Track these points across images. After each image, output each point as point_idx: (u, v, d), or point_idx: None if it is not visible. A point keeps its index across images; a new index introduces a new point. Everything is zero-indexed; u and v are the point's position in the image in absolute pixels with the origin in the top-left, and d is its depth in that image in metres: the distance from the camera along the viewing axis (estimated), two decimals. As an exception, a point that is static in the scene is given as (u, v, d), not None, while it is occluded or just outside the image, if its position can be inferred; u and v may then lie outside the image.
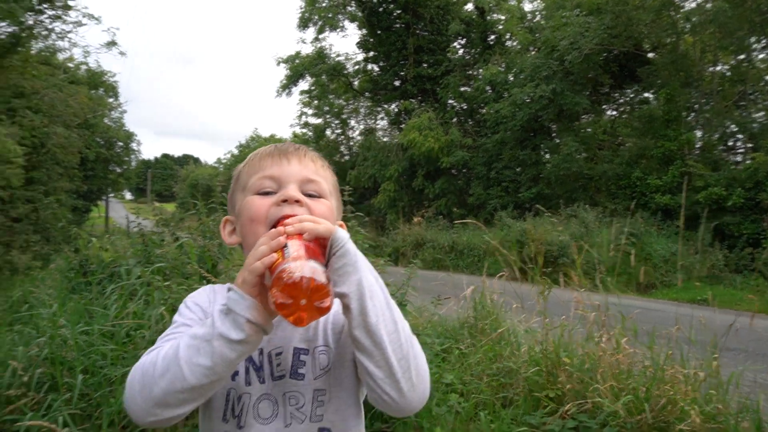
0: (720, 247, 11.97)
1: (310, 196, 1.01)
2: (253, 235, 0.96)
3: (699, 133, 15.07)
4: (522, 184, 17.84)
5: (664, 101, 14.94)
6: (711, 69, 15.36)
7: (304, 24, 25.30)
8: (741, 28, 13.97)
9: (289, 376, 0.96)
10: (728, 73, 15.76)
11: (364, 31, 25.35)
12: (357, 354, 0.86)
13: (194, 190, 45.93)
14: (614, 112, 19.48)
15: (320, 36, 25.87)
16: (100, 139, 29.03)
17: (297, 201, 0.97)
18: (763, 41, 14.53)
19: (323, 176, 1.07)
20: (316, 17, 24.98)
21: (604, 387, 3.19)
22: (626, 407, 3.11)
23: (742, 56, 14.99)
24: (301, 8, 25.18)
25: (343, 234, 0.86)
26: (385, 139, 25.83)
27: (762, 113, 14.42)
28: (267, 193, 1.00)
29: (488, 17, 21.87)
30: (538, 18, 21.18)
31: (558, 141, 17.57)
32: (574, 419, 3.22)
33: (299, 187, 1.01)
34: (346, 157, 30.14)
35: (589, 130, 18.20)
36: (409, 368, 0.85)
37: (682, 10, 14.49)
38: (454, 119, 22.22)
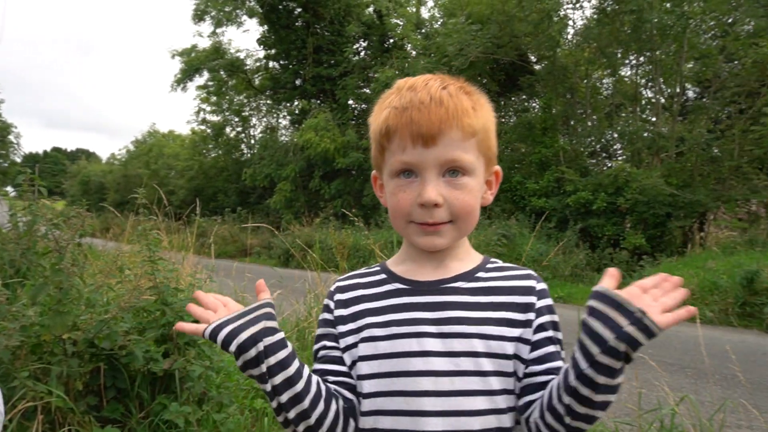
0: (583, 247, 12.81)
1: None
2: None
3: (572, 141, 16.07)
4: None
5: (541, 110, 15.81)
6: (585, 82, 16.43)
7: (199, 17, 24.28)
8: (610, 44, 15.09)
9: None
10: (602, 86, 17.06)
11: (265, 27, 24.78)
12: None
13: (86, 188, 42.63)
14: (500, 120, 20.33)
15: (218, 30, 25.01)
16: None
17: None
18: (631, 58, 15.75)
19: None
20: (213, 11, 24.08)
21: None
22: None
23: (607, 71, 16.17)
24: (196, 0, 24.15)
25: None
26: (285, 139, 25.41)
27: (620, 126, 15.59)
28: None
29: (386, 21, 22.09)
30: (436, 26, 21.66)
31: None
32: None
33: None
34: (248, 156, 29.35)
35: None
36: None
37: (555, 25, 15.35)
38: (353, 121, 22.25)
